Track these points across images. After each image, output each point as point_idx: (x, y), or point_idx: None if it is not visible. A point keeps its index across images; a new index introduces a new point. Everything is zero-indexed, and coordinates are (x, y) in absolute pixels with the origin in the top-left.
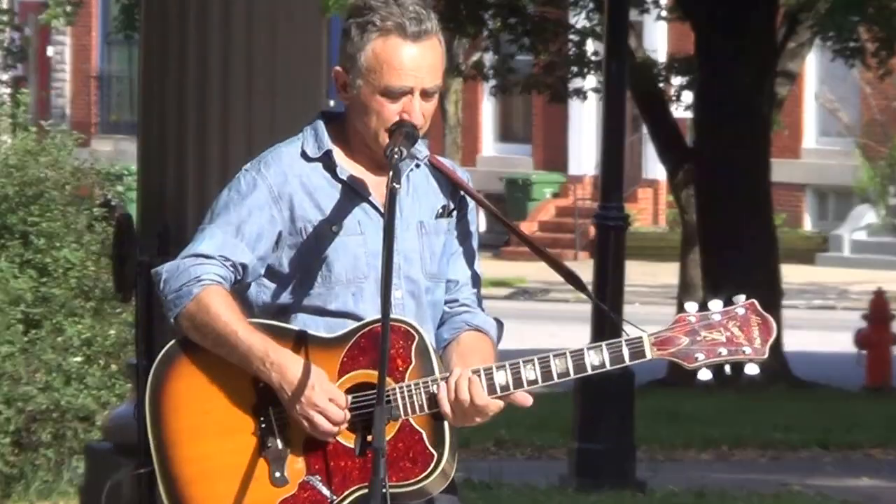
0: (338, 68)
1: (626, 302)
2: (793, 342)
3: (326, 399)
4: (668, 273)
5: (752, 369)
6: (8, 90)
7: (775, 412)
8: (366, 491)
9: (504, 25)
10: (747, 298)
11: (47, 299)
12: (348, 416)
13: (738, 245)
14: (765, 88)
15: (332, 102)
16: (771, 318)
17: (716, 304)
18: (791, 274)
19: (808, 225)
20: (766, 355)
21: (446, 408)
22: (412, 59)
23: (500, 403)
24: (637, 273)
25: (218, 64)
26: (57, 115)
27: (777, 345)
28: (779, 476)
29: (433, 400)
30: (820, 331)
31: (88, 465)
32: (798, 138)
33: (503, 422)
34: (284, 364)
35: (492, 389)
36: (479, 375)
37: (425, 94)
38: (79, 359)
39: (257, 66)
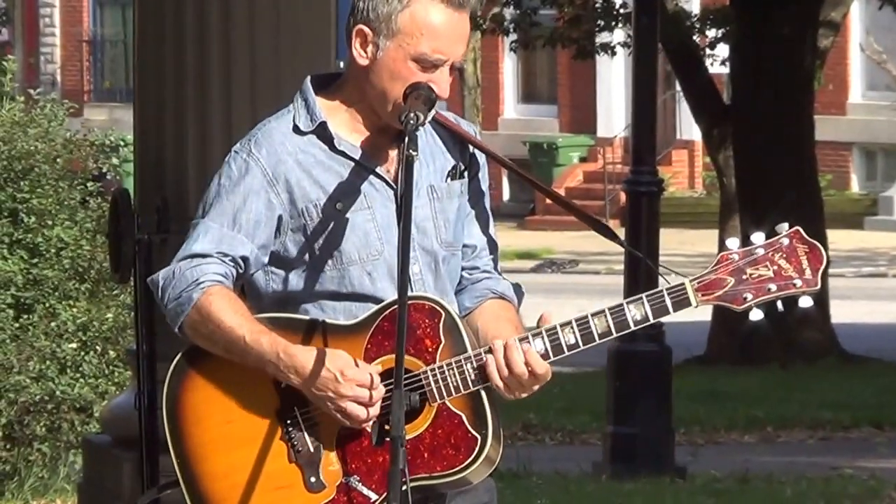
0: (361, 26)
1: (660, 273)
2: (841, 313)
3: (354, 386)
4: (706, 241)
5: (805, 302)
6: None
7: (824, 389)
8: (411, 486)
9: None
10: (790, 227)
11: (39, 282)
12: (382, 390)
13: (780, 209)
14: (806, 40)
15: (341, 64)
16: (818, 245)
17: (758, 237)
18: (838, 240)
19: (855, 186)
20: (818, 285)
21: (498, 382)
22: (453, 29)
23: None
24: (673, 241)
25: (218, 22)
26: (46, 83)
27: (824, 316)
28: (829, 458)
29: (472, 379)
30: (870, 300)
31: (86, 459)
32: (843, 93)
33: (531, 405)
34: (299, 362)
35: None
36: (529, 342)
37: (451, 67)
38: (74, 345)
39: (261, 22)
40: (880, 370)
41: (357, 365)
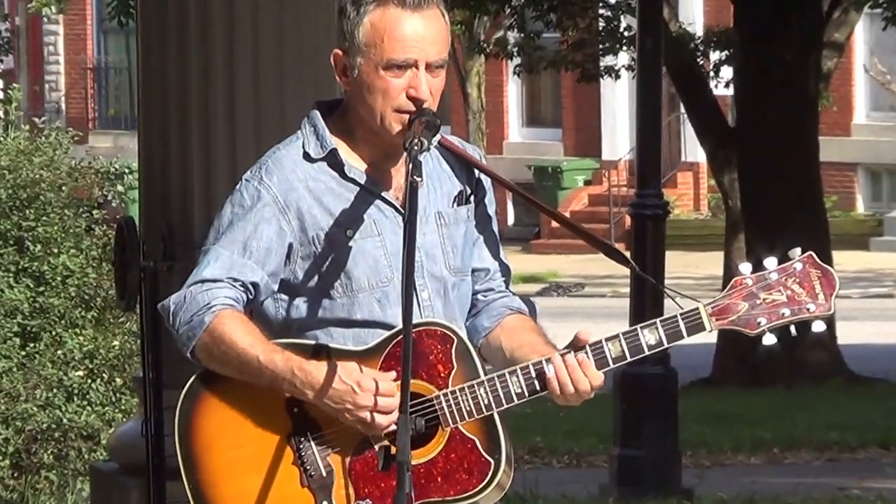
0: (336, 51)
1: (666, 296)
2: (848, 334)
3: (371, 395)
4: (711, 263)
5: (818, 326)
6: None
7: (830, 410)
8: None
9: (528, 0)
10: (803, 251)
11: (45, 310)
12: (398, 395)
13: (786, 231)
14: (810, 61)
15: (343, 89)
16: (831, 270)
17: (771, 262)
18: (844, 261)
19: (860, 207)
20: (832, 310)
21: (558, 392)
22: (413, 30)
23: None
24: (678, 264)
25: (222, 50)
26: (51, 111)
27: (831, 337)
28: (836, 479)
29: (483, 405)
30: (876, 321)
31: (94, 487)
32: (848, 114)
33: (538, 428)
34: (314, 378)
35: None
36: (587, 354)
37: (430, 68)
38: (80, 373)
39: (264, 50)
40: (887, 391)
41: (372, 376)
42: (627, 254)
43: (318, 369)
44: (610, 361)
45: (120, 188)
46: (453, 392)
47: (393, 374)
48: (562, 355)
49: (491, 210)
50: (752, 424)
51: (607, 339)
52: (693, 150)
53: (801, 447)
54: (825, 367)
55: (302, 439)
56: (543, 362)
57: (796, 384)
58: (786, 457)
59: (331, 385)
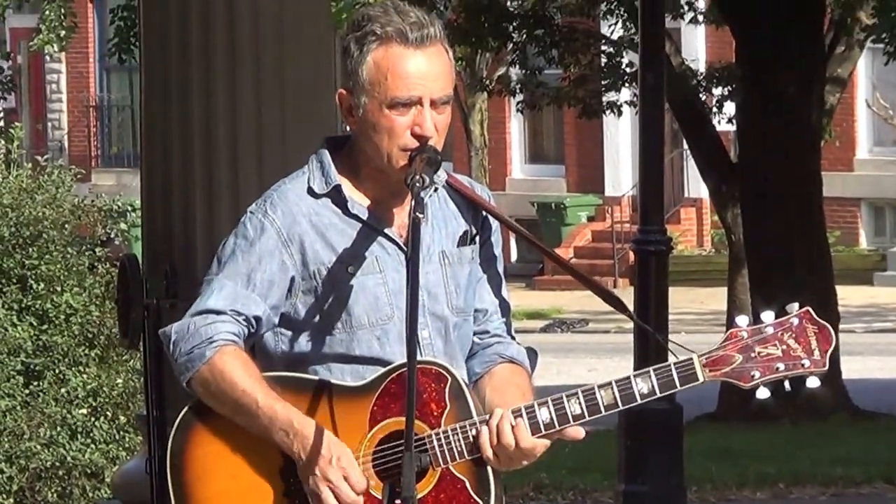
0: (341, 90)
1: (670, 331)
2: (852, 369)
3: (340, 476)
4: (715, 298)
5: (812, 382)
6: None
7: (835, 445)
8: None
9: (530, 37)
10: (801, 307)
11: (48, 348)
12: (361, 501)
13: (789, 266)
14: (813, 96)
15: (349, 128)
16: (828, 326)
17: (768, 316)
18: (848, 296)
19: (864, 242)
20: (826, 366)
21: (489, 452)
22: (417, 67)
23: (547, 442)
24: (682, 299)
25: (224, 88)
26: (54, 149)
27: (835, 372)
28: None
29: (474, 445)
30: (881, 356)
31: None
32: (851, 149)
33: (543, 464)
34: (308, 435)
35: (535, 428)
36: (522, 415)
37: (435, 105)
38: (84, 411)
39: (266, 92)
40: (892, 426)
41: (353, 464)
42: (631, 290)
43: (312, 427)
44: (602, 409)
45: (123, 226)
46: (445, 431)
47: (366, 482)
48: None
49: (497, 250)
50: (758, 460)
51: (600, 387)
52: (696, 185)
53: (806, 482)
54: (829, 402)
55: (295, 472)
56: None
57: (801, 419)
58: (791, 492)
59: (315, 446)
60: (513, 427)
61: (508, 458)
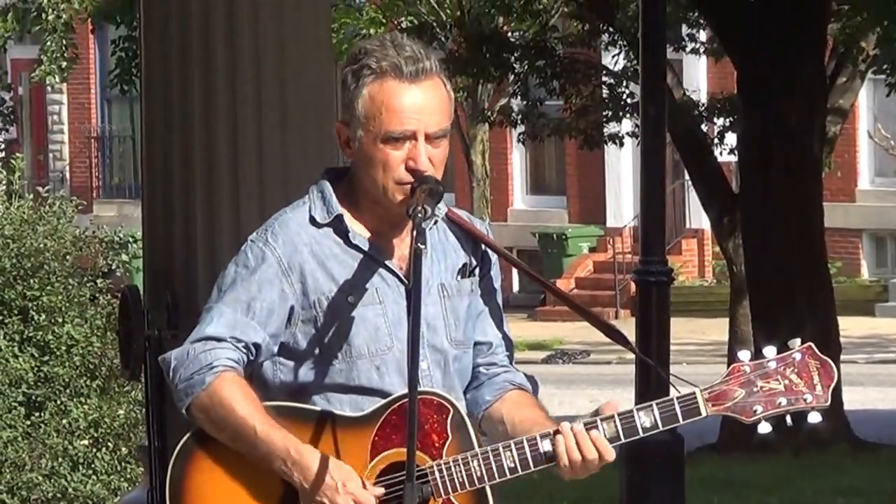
0: (338, 123)
1: (672, 362)
2: (854, 399)
3: (350, 501)
4: (716, 329)
5: (814, 418)
6: (1, 155)
7: (837, 476)
8: None
9: (531, 68)
10: (803, 342)
11: (50, 379)
12: None
13: (790, 297)
14: (814, 127)
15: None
16: (830, 362)
17: (770, 351)
18: (849, 326)
19: (865, 273)
20: (828, 402)
21: (566, 463)
22: (412, 101)
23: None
24: (683, 330)
25: (225, 121)
26: (55, 180)
27: (837, 403)
28: None
29: (476, 477)
30: (882, 387)
31: None
32: (852, 180)
33: (544, 495)
34: (308, 464)
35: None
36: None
37: (430, 139)
38: (86, 442)
39: (268, 122)
40: (893, 457)
41: (364, 485)
42: (632, 321)
43: (311, 455)
44: None
45: (124, 257)
46: (447, 463)
47: (380, 490)
48: (571, 426)
49: (496, 283)
50: (759, 491)
51: (602, 419)
52: (697, 216)
53: None
54: (831, 432)
55: (295, 501)
56: (537, 437)
57: (802, 451)
58: None
59: (318, 474)
60: (593, 439)
61: (586, 469)
